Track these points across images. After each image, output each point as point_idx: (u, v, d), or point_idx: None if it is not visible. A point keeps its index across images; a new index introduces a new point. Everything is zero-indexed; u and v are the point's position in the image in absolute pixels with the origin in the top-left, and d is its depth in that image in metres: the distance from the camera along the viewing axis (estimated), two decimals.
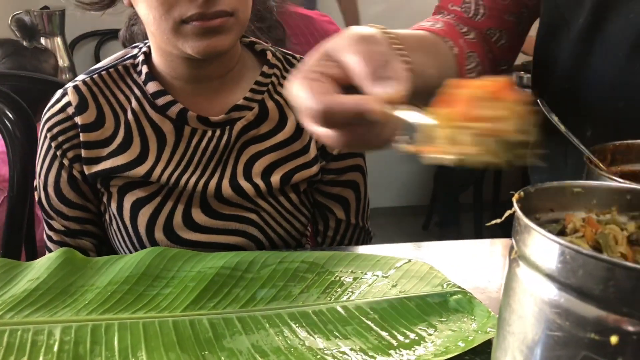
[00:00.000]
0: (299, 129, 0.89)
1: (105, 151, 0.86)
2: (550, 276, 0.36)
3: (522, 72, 2.54)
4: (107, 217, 0.90)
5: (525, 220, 0.38)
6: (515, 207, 0.39)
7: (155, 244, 0.86)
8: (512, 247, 0.40)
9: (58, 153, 0.87)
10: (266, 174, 0.88)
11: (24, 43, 1.75)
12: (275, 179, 0.88)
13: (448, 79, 0.57)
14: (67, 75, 2.21)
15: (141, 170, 0.85)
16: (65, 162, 0.87)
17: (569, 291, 0.35)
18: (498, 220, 0.46)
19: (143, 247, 0.86)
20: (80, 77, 0.90)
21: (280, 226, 0.90)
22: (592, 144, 0.61)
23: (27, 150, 1.11)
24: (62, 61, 2.15)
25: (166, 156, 0.87)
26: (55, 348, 0.56)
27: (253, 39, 0.95)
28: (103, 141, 0.86)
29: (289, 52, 0.95)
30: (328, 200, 0.96)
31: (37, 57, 1.74)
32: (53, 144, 0.87)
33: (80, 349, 0.57)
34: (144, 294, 0.67)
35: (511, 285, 0.40)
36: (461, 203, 3.01)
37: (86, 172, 0.86)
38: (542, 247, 0.36)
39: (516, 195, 0.41)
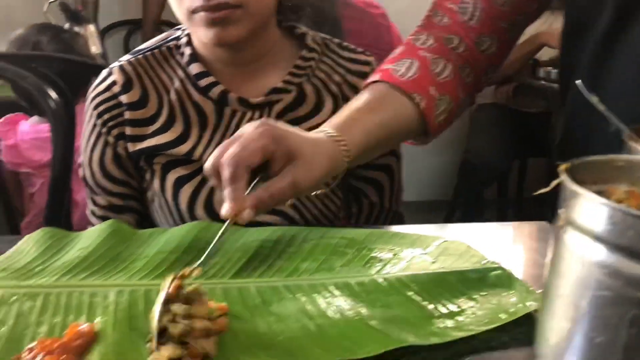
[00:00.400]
0: (336, 111, 0.90)
1: (149, 129, 0.89)
2: (599, 238, 0.37)
3: (550, 68, 2.53)
4: (149, 194, 0.93)
5: (574, 186, 0.39)
6: (564, 175, 0.41)
7: (196, 220, 0.88)
8: (559, 216, 0.42)
9: (103, 131, 0.90)
10: None
11: (65, 27, 1.79)
12: None
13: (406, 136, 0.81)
14: (100, 62, 2.25)
15: (183, 148, 0.88)
16: (111, 139, 0.90)
17: (619, 252, 0.36)
18: (544, 190, 0.48)
19: (184, 223, 0.88)
20: (125, 57, 0.93)
21: (315, 207, 0.92)
22: None
23: (68, 131, 1.15)
24: (95, 48, 2.19)
25: (207, 136, 0.89)
26: (111, 308, 0.59)
27: (292, 23, 0.97)
28: (147, 119, 0.89)
29: (329, 37, 0.97)
30: (362, 184, 0.98)
31: (76, 42, 1.78)
32: (99, 122, 0.90)
33: (134, 310, 0.59)
34: (192, 263, 0.69)
35: (559, 251, 0.41)
36: (485, 199, 3.00)
37: (130, 150, 0.89)
38: (591, 210, 0.38)
39: (563, 166, 0.42)
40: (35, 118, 1.69)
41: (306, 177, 0.63)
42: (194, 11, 0.80)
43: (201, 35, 0.83)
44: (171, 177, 0.90)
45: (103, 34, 2.76)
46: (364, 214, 0.99)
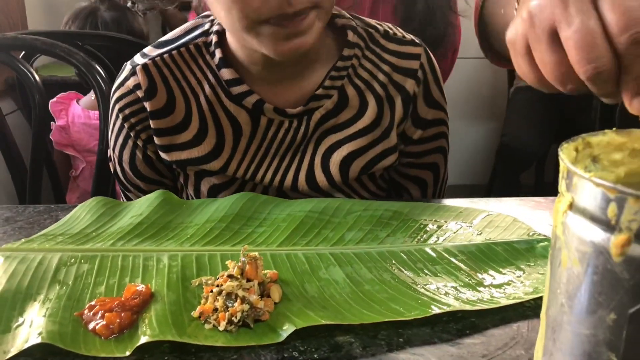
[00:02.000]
0: (380, 114, 0.84)
1: (179, 139, 0.83)
2: (597, 220, 0.34)
3: None
4: (184, 196, 0.91)
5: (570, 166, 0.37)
6: (563, 156, 0.39)
7: None
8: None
9: (132, 133, 0.85)
10: (345, 164, 0.84)
11: (128, 4, 1.83)
12: (355, 169, 0.84)
13: None
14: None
15: (217, 164, 0.83)
16: (139, 142, 0.85)
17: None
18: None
19: None
20: (150, 51, 0.85)
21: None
22: None
23: None
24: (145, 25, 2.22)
25: (242, 148, 0.83)
26: (165, 271, 0.61)
27: (335, 11, 0.85)
28: (175, 128, 0.83)
29: (374, 25, 0.87)
30: (405, 181, 0.93)
31: (137, 20, 1.81)
32: (126, 125, 0.84)
33: (187, 272, 0.61)
34: (240, 232, 0.71)
35: (557, 233, 0.38)
36: (521, 183, 2.97)
37: (161, 156, 0.85)
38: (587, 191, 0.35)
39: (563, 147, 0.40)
40: (87, 97, 1.72)
41: None
42: (263, 21, 0.69)
43: (267, 49, 0.72)
44: (206, 184, 0.86)
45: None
46: None
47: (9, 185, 1.37)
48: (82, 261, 0.63)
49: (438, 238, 0.69)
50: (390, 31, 0.87)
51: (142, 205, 0.76)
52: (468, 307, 0.54)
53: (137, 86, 0.82)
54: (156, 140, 0.83)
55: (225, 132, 0.83)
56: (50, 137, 1.65)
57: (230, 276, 0.55)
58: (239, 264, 0.56)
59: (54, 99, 1.67)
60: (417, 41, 0.87)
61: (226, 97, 0.82)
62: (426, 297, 0.56)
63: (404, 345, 0.50)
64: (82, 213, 0.75)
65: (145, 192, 0.87)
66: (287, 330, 0.50)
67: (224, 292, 0.53)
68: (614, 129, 0.42)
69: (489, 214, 0.75)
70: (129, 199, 0.92)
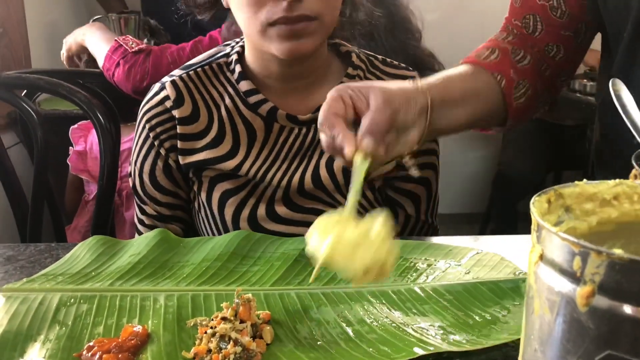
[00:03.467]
0: None
1: (200, 144, 0.92)
2: (564, 271, 0.36)
3: (585, 80, 2.52)
4: (195, 204, 0.97)
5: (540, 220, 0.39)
6: (533, 209, 0.40)
7: None
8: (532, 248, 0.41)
9: (156, 143, 0.93)
10: (347, 169, 0.91)
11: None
12: None
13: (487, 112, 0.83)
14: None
15: (231, 163, 0.91)
16: (162, 151, 0.93)
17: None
18: None
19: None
20: (177, 72, 0.95)
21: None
22: None
23: (115, 143, 1.21)
24: None
25: (255, 151, 0.92)
26: (162, 311, 0.63)
27: (338, 40, 0.99)
28: (198, 134, 0.92)
29: (372, 54, 1.00)
30: (399, 196, 1.00)
31: None
32: (151, 135, 0.93)
33: (182, 312, 0.63)
34: (235, 271, 0.73)
35: (530, 282, 0.40)
36: (519, 211, 2.99)
37: (181, 162, 0.93)
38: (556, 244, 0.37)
39: (535, 199, 0.42)
40: None
41: (385, 94, 0.67)
42: (272, 23, 0.81)
43: (275, 49, 0.83)
44: (218, 190, 0.93)
45: None
46: (399, 225, 1.02)
47: (9, 219, 1.39)
48: (82, 301, 0.65)
49: (427, 277, 0.71)
50: (387, 59, 1.00)
51: (140, 244, 0.79)
52: (455, 349, 0.56)
53: (166, 97, 0.92)
54: (180, 144, 0.92)
55: (241, 136, 0.92)
56: (68, 161, 1.72)
57: (224, 318, 0.57)
58: (233, 305, 0.58)
59: (75, 126, 1.73)
60: (410, 69, 1.00)
61: (244, 105, 0.92)
62: (414, 338, 0.58)
63: None
64: (82, 252, 0.77)
65: (160, 205, 0.96)
66: None
67: (217, 334, 0.55)
68: (584, 180, 0.44)
69: (478, 252, 0.77)
70: (144, 212, 0.98)
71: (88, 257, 0.76)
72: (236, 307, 0.58)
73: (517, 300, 0.66)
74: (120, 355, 0.54)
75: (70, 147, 1.72)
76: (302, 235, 0.91)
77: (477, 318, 0.62)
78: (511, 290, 0.68)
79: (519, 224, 2.98)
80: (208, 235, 0.96)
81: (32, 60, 2.30)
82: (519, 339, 0.58)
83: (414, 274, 0.72)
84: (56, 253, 0.81)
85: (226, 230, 0.93)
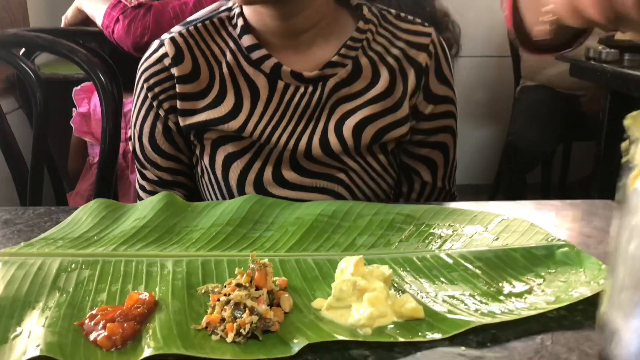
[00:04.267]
0: (392, 85, 0.88)
1: (201, 104, 0.87)
2: None
3: (601, 47, 2.44)
4: (198, 169, 0.92)
5: None
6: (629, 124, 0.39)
7: None
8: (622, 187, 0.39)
9: (154, 104, 0.89)
10: (358, 130, 0.87)
11: None
12: (367, 135, 0.87)
13: None
14: None
15: (234, 124, 0.86)
16: (161, 112, 0.89)
17: None
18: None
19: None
20: (176, 28, 0.90)
21: (367, 186, 0.90)
22: None
23: (117, 104, 1.15)
24: None
25: (259, 111, 0.87)
26: (170, 278, 0.58)
27: None
28: (198, 93, 0.87)
29: (385, 8, 0.94)
30: (415, 162, 0.95)
31: None
32: (150, 95, 0.88)
33: (192, 279, 0.58)
34: (247, 236, 0.68)
35: (627, 213, 0.39)
36: (528, 184, 2.93)
37: (181, 124, 0.88)
38: None
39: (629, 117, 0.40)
40: None
41: None
42: None
43: None
44: (221, 153, 0.88)
45: None
46: (415, 192, 0.97)
47: (9, 186, 1.34)
48: (83, 267, 0.61)
49: (453, 244, 0.66)
50: (401, 14, 0.94)
51: (145, 208, 0.74)
52: (489, 320, 0.51)
53: (165, 55, 0.87)
54: (180, 104, 0.87)
55: (244, 95, 0.87)
56: (71, 123, 1.67)
57: (239, 285, 0.52)
58: (248, 271, 0.54)
59: (78, 87, 1.68)
60: (426, 24, 0.94)
61: (246, 62, 0.87)
62: (444, 311, 0.53)
63: None
64: (83, 216, 0.73)
65: (161, 170, 0.92)
66: (298, 343, 0.48)
67: (231, 301, 0.50)
68: None
69: (505, 218, 0.72)
70: (144, 178, 0.93)
71: (90, 221, 0.71)
72: (251, 273, 0.53)
73: (552, 268, 0.61)
74: (125, 324, 0.50)
75: (74, 109, 1.67)
76: (311, 201, 0.86)
77: (510, 287, 0.58)
78: (544, 257, 0.63)
79: (527, 196, 2.93)
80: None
81: (31, 22, 2.23)
82: (558, 310, 0.54)
83: (439, 240, 0.67)
84: (56, 217, 0.76)
85: (231, 196, 0.88)
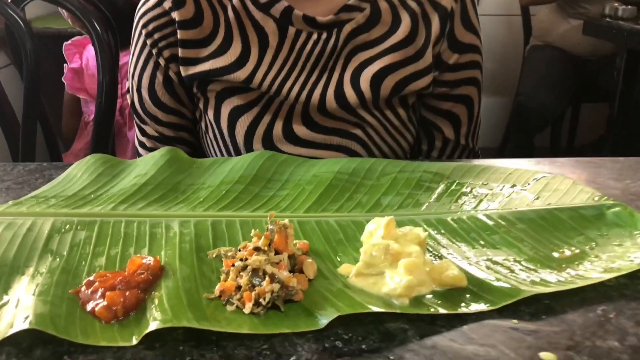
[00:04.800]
0: (414, 31, 0.80)
1: (204, 52, 0.80)
2: None
3: (617, 3, 2.34)
4: (202, 124, 0.85)
5: None
6: None
7: None
8: None
9: (154, 51, 0.81)
10: (376, 81, 0.79)
11: None
12: (387, 86, 0.79)
13: None
14: None
15: (241, 74, 0.79)
16: (161, 61, 0.81)
17: None
18: None
19: None
20: None
21: (385, 143, 0.83)
22: None
23: (113, 56, 1.07)
24: None
25: (268, 59, 0.79)
26: (176, 240, 0.52)
27: None
28: (201, 40, 0.80)
29: None
30: (436, 117, 0.88)
31: None
32: (148, 42, 0.81)
33: (202, 241, 0.52)
34: (260, 195, 0.62)
35: None
36: (535, 146, 2.86)
37: (183, 74, 0.81)
38: None
39: None
40: None
41: None
42: None
43: None
44: (227, 106, 0.81)
45: None
46: (436, 150, 0.90)
47: (2, 145, 1.27)
48: (79, 228, 0.54)
49: (489, 204, 0.60)
50: None
51: (147, 164, 0.67)
52: (542, 290, 0.45)
53: None
54: (181, 52, 0.80)
55: (251, 41, 0.80)
56: (63, 79, 1.60)
57: (256, 248, 0.46)
58: (266, 233, 0.47)
59: (69, 42, 1.61)
60: None
61: (254, 5, 0.80)
62: (492, 279, 0.47)
63: (469, 334, 0.41)
64: (78, 172, 0.66)
65: (162, 125, 0.85)
66: (327, 315, 0.42)
67: (249, 267, 0.44)
68: None
69: (544, 175, 0.65)
70: (144, 134, 0.87)
71: (86, 178, 0.64)
72: (270, 235, 0.47)
73: (603, 230, 0.55)
74: (127, 293, 0.44)
75: (65, 65, 1.59)
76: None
77: (559, 252, 0.51)
78: (594, 218, 0.56)
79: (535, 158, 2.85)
80: None
81: None
82: (617, 277, 0.48)
83: (473, 200, 0.61)
84: (48, 173, 0.69)
85: (238, 153, 0.81)
